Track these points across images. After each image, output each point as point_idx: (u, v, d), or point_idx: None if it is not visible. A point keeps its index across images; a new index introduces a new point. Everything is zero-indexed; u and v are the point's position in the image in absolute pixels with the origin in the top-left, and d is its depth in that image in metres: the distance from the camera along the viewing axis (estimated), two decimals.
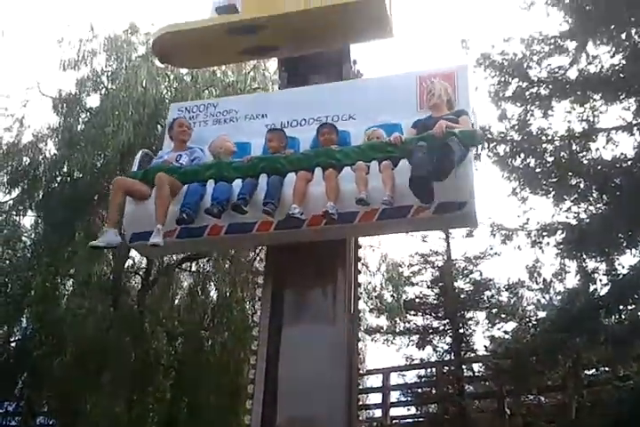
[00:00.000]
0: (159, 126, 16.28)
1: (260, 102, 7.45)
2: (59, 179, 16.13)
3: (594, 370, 15.34)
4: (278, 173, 5.87)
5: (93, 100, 16.81)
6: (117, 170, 15.57)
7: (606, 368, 14.91)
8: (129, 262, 16.70)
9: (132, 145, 14.93)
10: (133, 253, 16.80)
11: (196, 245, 7.07)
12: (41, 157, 16.28)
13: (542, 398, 15.16)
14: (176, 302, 16.77)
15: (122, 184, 5.99)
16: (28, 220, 16.87)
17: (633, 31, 13.45)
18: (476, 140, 5.79)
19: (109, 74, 16.52)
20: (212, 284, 16.70)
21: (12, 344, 16.64)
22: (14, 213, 16.70)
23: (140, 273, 16.89)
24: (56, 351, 14.18)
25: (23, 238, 16.74)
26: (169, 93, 16.23)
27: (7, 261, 16.68)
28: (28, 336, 15.90)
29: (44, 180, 16.04)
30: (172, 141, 6.86)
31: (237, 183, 5.93)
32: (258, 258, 14.98)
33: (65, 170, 16.02)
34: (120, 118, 14.98)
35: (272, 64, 15.65)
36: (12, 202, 16.61)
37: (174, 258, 16.58)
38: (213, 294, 16.79)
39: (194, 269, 17.05)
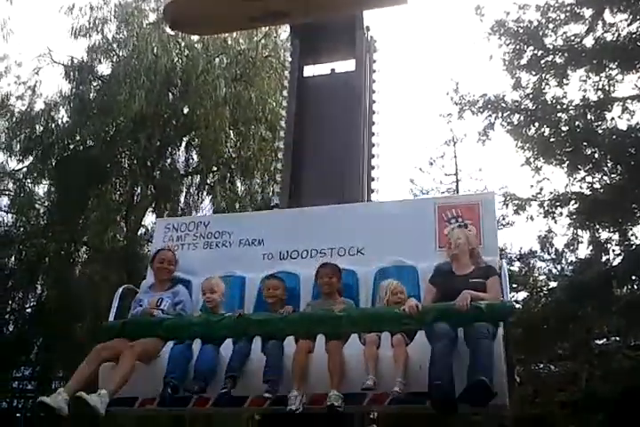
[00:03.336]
0: (170, 95, 16.28)
1: (256, 225, 6.50)
2: (71, 147, 16.18)
3: (604, 340, 15.41)
4: (275, 338, 5.09)
5: (105, 68, 16.84)
6: (130, 138, 15.64)
7: (617, 338, 14.97)
8: (142, 230, 16.82)
9: (144, 113, 14.95)
10: (146, 221, 16.95)
11: (179, 412, 6.08)
12: (53, 124, 16.28)
13: (552, 367, 15.25)
14: None
15: (99, 352, 5.11)
16: (41, 187, 16.96)
17: None
18: (507, 313, 4.95)
19: (120, 41, 16.44)
20: None
21: (28, 311, 16.86)
22: (28, 180, 16.76)
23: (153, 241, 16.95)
24: (71, 318, 14.33)
25: (37, 206, 16.82)
26: (180, 61, 16.16)
27: (21, 229, 16.79)
28: (42, 303, 16.08)
29: (56, 148, 16.05)
30: (154, 276, 6.05)
31: (227, 344, 5.17)
32: None
33: (78, 138, 16.05)
34: (132, 86, 14.93)
35: (284, 32, 15.53)
36: (25, 170, 16.68)
37: None
38: None
39: None
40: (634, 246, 13.64)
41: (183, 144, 16.81)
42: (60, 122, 16.42)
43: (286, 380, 4.81)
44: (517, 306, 16.70)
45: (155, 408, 5.20)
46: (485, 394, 4.26)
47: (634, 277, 13.59)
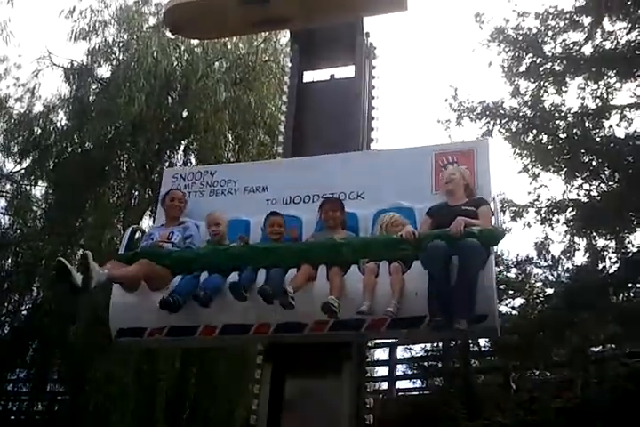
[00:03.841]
0: (170, 98, 16.28)
1: (260, 173, 6.83)
2: (70, 149, 16.14)
3: (601, 347, 15.40)
4: (279, 266, 5.31)
5: (104, 71, 16.82)
6: (128, 141, 15.65)
7: (613, 346, 14.96)
8: (139, 234, 16.74)
9: (143, 116, 14.95)
10: (144, 223, 16.93)
11: (187, 342, 6.26)
12: (52, 127, 16.26)
13: (548, 374, 15.23)
14: None
15: (113, 268, 5.33)
16: (38, 190, 16.95)
17: None
18: (498, 238, 5.23)
19: (120, 45, 16.43)
20: None
21: (23, 313, 16.82)
22: (25, 182, 16.75)
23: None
24: (67, 320, 14.32)
25: (34, 208, 16.81)
26: (180, 65, 16.17)
27: (18, 231, 16.78)
28: (39, 305, 16.06)
29: (54, 150, 16.03)
30: (164, 214, 6.43)
31: (233, 276, 5.38)
32: None
33: (76, 140, 16.02)
34: (131, 89, 14.93)
35: (283, 37, 15.55)
36: (23, 172, 16.66)
37: None
38: None
39: None
40: (630, 254, 13.66)
41: (182, 148, 16.79)
42: (58, 124, 16.38)
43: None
44: (514, 313, 16.70)
45: (163, 338, 5.46)
46: (469, 300, 4.63)
47: (630, 285, 13.60)
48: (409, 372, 16.64)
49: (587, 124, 14.13)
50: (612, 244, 14.13)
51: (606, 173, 13.86)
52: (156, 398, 12.82)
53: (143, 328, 5.39)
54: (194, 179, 6.86)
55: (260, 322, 5.18)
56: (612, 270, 14.00)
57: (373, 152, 7.13)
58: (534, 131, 14.34)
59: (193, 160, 16.72)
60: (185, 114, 16.18)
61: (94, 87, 16.74)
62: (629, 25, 13.52)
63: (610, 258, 14.12)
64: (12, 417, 16.56)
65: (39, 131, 16.21)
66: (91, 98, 16.47)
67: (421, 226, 5.45)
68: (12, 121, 16.47)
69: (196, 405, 13.49)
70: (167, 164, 16.68)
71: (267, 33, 15.26)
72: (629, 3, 13.28)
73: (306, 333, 5.11)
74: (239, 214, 6.31)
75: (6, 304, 16.55)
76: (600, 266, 14.19)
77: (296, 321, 5.09)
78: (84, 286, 4.81)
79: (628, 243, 13.92)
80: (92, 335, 13.68)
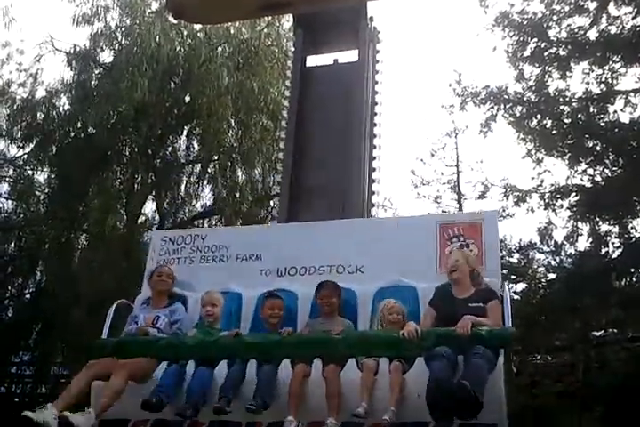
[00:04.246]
0: (172, 83, 16.24)
1: (254, 240, 6.39)
2: (72, 134, 16.14)
3: (602, 331, 15.47)
4: (272, 360, 4.99)
5: (107, 56, 16.76)
6: (131, 126, 15.64)
7: (615, 330, 15.03)
8: (142, 218, 16.84)
9: (146, 101, 14.92)
10: (146, 209, 16.98)
11: None
12: (55, 112, 16.24)
13: (550, 358, 15.31)
14: None
15: (91, 370, 5.01)
16: (41, 174, 16.97)
17: None
18: (508, 339, 4.84)
19: (123, 29, 16.36)
20: None
21: (27, 296, 16.91)
22: (28, 167, 16.77)
23: (153, 229, 17.05)
24: (70, 303, 14.40)
25: (37, 193, 16.83)
26: (182, 50, 16.09)
27: (21, 215, 16.82)
28: (42, 289, 16.13)
29: (57, 135, 16.03)
30: (151, 289, 5.92)
31: (222, 366, 5.07)
32: (270, 216, 15.15)
33: (79, 125, 16.03)
34: (134, 74, 14.88)
35: (286, 22, 15.46)
36: (25, 157, 16.67)
37: (186, 215, 16.71)
38: None
39: (206, 225, 17.15)
40: (633, 239, 13.67)
41: (184, 133, 16.80)
42: (61, 109, 16.37)
43: (282, 405, 4.71)
44: (516, 297, 16.74)
45: None
46: (469, 401, 4.14)
47: (633, 270, 13.62)
48: None
49: (591, 110, 14.08)
50: (616, 229, 14.14)
51: (610, 158, 13.84)
52: None
53: (126, 420, 5.03)
54: (183, 243, 6.48)
55: (248, 421, 4.83)
56: (614, 255, 14.02)
57: (376, 220, 7.00)
58: (538, 116, 14.31)
59: (196, 145, 16.74)
60: (188, 99, 16.14)
61: (97, 72, 16.71)
62: (635, 10, 13.44)
63: (613, 243, 14.16)
64: (16, 399, 16.70)
65: (42, 116, 16.21)
66: (93, 83, 16.43)
67: (424, 318, 5.15)
68: (15, 106, 16.44)
69: None
70: (170, 148, 16.69)
71: (270, 17, 15.18)
72: None
73: None
74: (231, 285, 5.95)
75: (10, 288, 16.67)
76: (603, 251, 14.21)
77: None
78: None
79: (632, 228, 13.95)
80: (94, 319, 13.78)
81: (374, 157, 7.60)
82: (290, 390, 4.75)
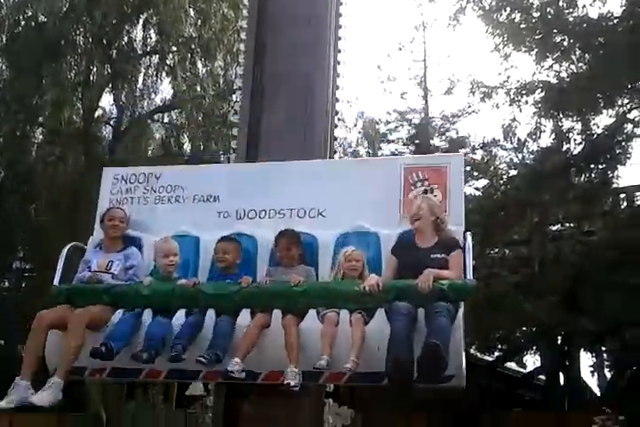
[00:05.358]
0: None
1: (212, 179, 6.08)
2: (23, 23, 15.39)
3: (559, 226, 15.90)
4: (229, 312, 4.95)
5: None
6: (84, 15, 14.95)
7: (571, 224, 15.45)
8: (99, 112, 16.45)
9: None
10: (103, 102, 16.53)
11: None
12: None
13: (507, 251, 15.75)
14: (149, 153, 16.70)
15: (44, 320, 4.85)
16: None
17: None
18: (468, 291, 4.79)
19: None
20: (185, 136, 16.60)
21: None
22: None
23: (111, 123, 16.69)
24: (28, 198, 14.24)
25: None
26: None
27: None
28: (0, 184, 15.87)
29: (7, 24, 15.29)
30: (104, 234, 5.64)
31: (180, 315, 4.99)
32: (232, 110, 14.83)
33: (29, 14, 15.27)
34: None
35: None
36: None
37: (145, 109, 16.34)
38: (187, 146, 16.74)
39: (166, 120, 16.84)
40: (595, 135, 13.80)
41: (141, 22, 16.08)
42: None
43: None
44: (477, 193, 16.97)
45: (105, 378, 5.10)
46: (438, 361, 4.23)
47: (592, 166, 13.83)
48: None
49: (560, 4, 13.80)
50: (578, 126, 14.25)
51: (577, 53, 13.71)
52: None
53: (83, 367, 4.96)
54: (137, 181, 6.11)
55: (208, 370, 4.79)
56: (575, 152, 14.19)
57: (337, 162, 6.68)
58: (507, 8, 14.00)
59: (153, 35, 16.11)
60: None
61: None
62: None
63: (575, 140, 14.28)
64: None
65: None
66: None
67: (386, 268, 5.12)
68: None
69: None
70: (126, 39, 16.05)
71: None
72: None
73: (259, 381, 4.80)
74: (188, 228, 5.73)
75: None
76: (564, 148, 14.36)
77: (248, 369, 4.70)
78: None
79: (594, 124, 14.05)
80: (53, 214, 13.70)
81: (339, 50, 7.36)
82: (245, 335, 4.75)
